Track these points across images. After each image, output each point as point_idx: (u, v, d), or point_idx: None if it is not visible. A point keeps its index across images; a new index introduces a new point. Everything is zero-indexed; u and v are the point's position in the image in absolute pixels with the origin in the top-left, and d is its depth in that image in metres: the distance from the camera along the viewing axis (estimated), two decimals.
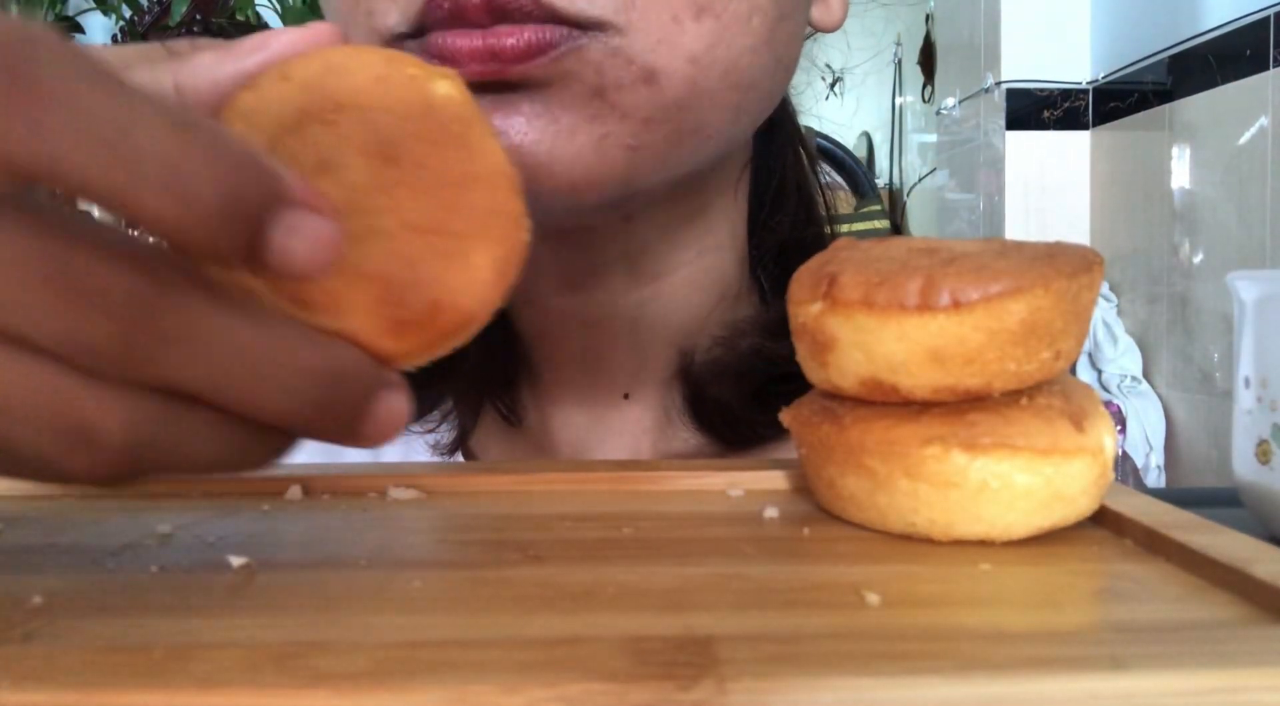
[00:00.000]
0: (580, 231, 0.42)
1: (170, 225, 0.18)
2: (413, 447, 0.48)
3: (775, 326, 0.44)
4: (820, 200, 0.52)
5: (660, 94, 0.35)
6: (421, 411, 0.47)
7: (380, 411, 0.22)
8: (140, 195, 0.17)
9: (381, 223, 0.23)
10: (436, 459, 0.47)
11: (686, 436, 0.46)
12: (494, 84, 0.33)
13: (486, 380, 0.47)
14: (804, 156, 0.52)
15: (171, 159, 0.17)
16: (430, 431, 0.47)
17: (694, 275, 0.46)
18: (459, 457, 0.47)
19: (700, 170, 0.40)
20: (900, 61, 3.10)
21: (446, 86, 0.24)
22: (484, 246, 0.23)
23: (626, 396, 0.47)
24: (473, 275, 0.23)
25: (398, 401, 0.23)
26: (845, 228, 0.66)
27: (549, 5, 0.32)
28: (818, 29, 0.44)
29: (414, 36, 0.34)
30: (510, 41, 0.32)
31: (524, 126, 0.34)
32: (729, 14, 0.35)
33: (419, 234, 0.23)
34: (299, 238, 0.19)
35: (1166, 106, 1.99)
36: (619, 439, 0.47)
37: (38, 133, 0.16)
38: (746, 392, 0.45)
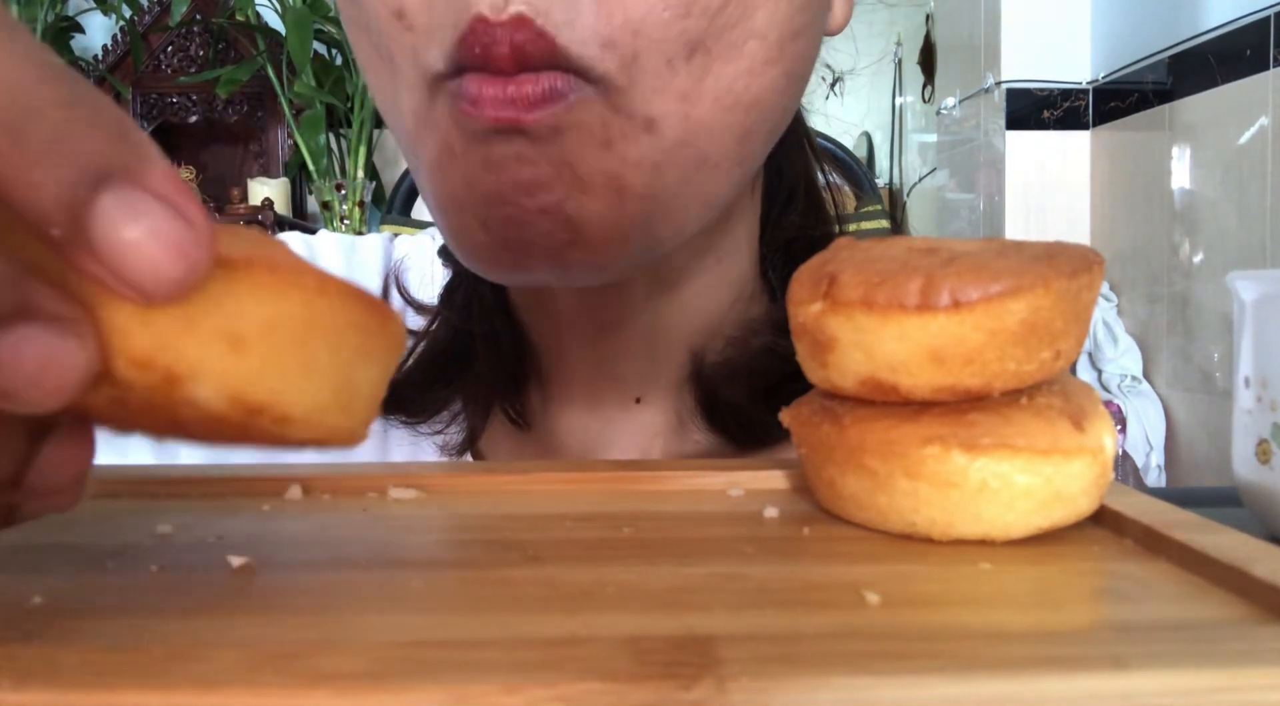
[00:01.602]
0: None
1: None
2: (421, 448, 0.48)
3: (786, 324, 0.44)
4: (829, 199, 0.52)
5: (661, 138, 0.35)
6: (430, 412, 0.47)
7: (2, 352, 0.16)
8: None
9: None
10: (444, 460, 0.47)
11: (698, 438, 0.46)
12: (513, 130, 0.34)
13: (496, 382, 0.47)
14: (812, 156, 0.52)
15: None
16: (438, 433, 0.47)
17: (712, 279, 0.46)
18: (467, 459, 0.47)
19: (722, 205, 0.40)
20: (900, 61, 3.10)
21: None
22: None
23: (638, 401, 0.47)
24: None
25: (42, 344, 0.16)
26: (851, 227, 0.66)
27: (564, 50, 0.33)
28: (825, 33, 0.44)
29: (451, 76, 0.35)
30: (528, 88, 0.33)
31: (551, 177, 0.34)
32: (720, 45, 0.35)
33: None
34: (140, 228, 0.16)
35: (1166, 106, 1.99)
36: (629, 442, 0.47)
37: None
38: (759, 392, 0.44)
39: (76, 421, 0.19)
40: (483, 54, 0.33)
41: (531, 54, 0.33)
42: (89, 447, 0.20)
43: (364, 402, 0.20)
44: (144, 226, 0.16)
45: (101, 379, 0.17)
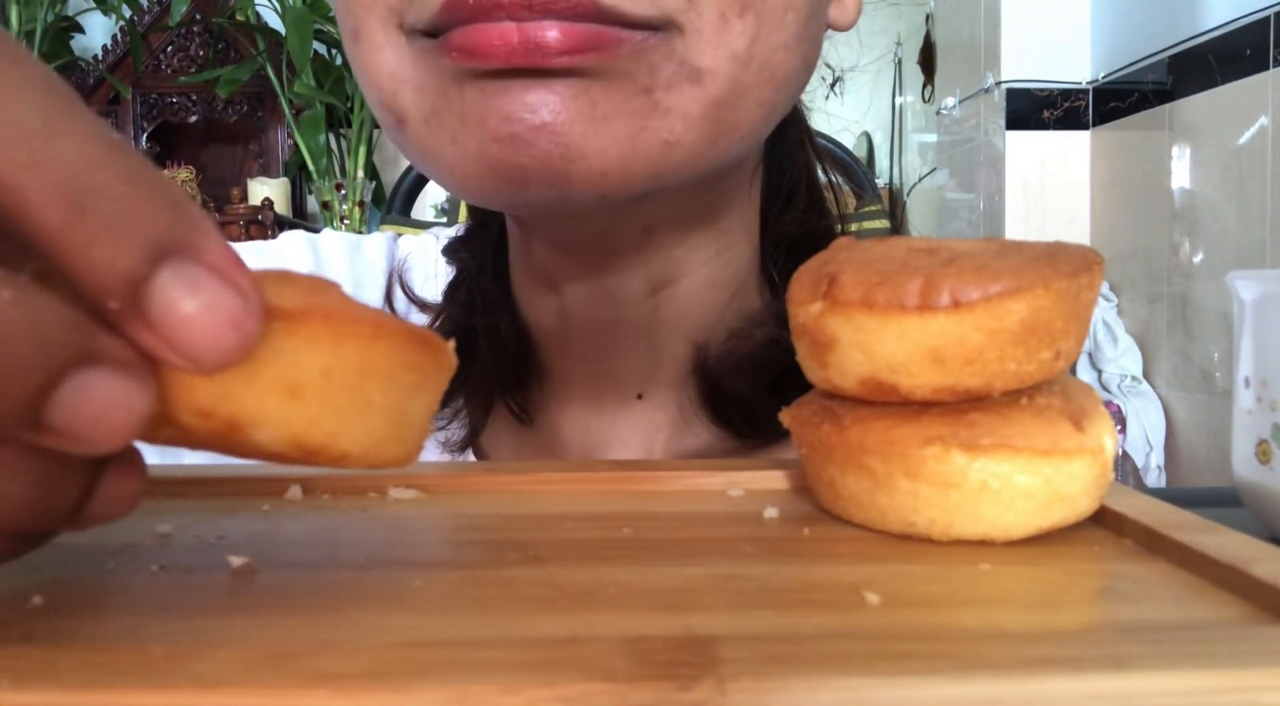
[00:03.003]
0: (599, 241, 0.42)
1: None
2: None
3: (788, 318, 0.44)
4: (830, 196, 0.52)
5: (704, 93, 0.35)
6: None
7: (70, 397, 0.16)
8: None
9: None
10: (446, 457, 0.47)
11: (701, 433, 0.46)
12: (529, 69, 0.33)
13: (498, 378, 0.47)
14: (813, 154, 0.52)
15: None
16: (440, 429, 0.47)
17: (710, 275, 0.46)
18: (469, 455, 0.47)
19: (721, 170, 0.40)
20: (900, 61, 3.10)
21: None
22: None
23: (640, 397, 0.47)
24: None
25: (107, 389, 0.16)
26: (851, 227, 0.66)
27: (612, 9, 0.32)
28: (833, 28, 0.44)
29: (432, 34, 0.34)
30: (554, 34, 0.31)
31: (558, 106, 0.33)
32: (767, 9, 0.35)
33: None
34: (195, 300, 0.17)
35: (1166, 106, 1.99)
36: (631, 439, 0.47)
37: None
38: (763, 384, 0.45)
39: (131, 450, 0.20)
40: (476, 4, 0.31)
41: (552, 4, 0.31)
42: (143, 474, 0.20)
43: (417, 430, 0.22)
44: (200, 300, 0.17)
45: (165, 422, 0.18)
